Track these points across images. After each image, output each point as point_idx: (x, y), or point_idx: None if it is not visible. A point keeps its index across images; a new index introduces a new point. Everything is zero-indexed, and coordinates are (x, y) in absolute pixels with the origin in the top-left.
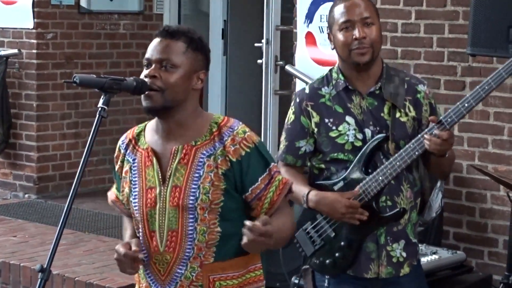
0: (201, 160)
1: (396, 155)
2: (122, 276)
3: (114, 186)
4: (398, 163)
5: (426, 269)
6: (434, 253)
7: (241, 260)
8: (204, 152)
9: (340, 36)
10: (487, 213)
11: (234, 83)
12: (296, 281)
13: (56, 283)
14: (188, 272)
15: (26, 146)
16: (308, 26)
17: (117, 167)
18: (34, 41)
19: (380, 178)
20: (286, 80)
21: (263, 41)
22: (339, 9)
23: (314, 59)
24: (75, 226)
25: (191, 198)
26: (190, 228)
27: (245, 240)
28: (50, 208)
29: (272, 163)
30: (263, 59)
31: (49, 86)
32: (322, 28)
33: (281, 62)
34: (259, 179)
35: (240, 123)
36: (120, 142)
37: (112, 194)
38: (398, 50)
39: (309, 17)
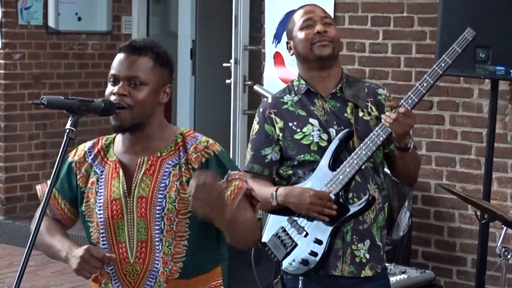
0: (167, 170)
1: (361, 144)
2: None
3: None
4: (363, 152)
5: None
6: (403, 272)
7: (203, 277)
8: (170, 162)
9: (301, 34)
10: (455, 232)
11: (202, 102)
12: None
13: None
14: (157, 285)
15: None
16: (276, 46)
17: (79, 175)
18: (2, 61)
19: (348, 169)
20: (255, 100)
21: (232, 61)
22: (299, 13)
23: (283, 79)
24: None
25: (158, 208)
26: (157, 239)
27: (192, 184)
28: (18, 229)
29: (233, 171)
30: (232, 79)
31: (17, 106)
32: None
33: (249, 82)
34: None
35: (207, 138)
36: (85, 149)
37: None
38: (366, 70)
39: (278, 37)
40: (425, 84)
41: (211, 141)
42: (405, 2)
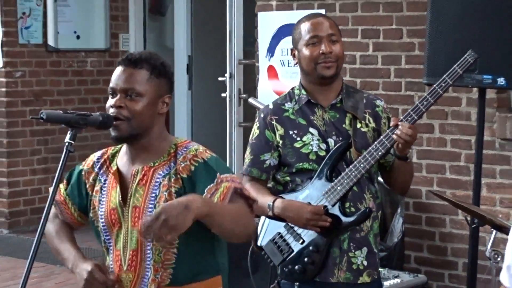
0: (158, 180)
1: (359, 158)
2: None
3: (63, 188)
4: (362, 165)
5: None
6: (396, 277)
7: (196, 285)
8: (161, 172)
9: (306, 51)
10: (446, 237)
11: (199, 116)
12: None
13: None
14: None
15: None
16: (269, 59)
17: (88, 184)
18: (3, 79)
19: (346, 181)
20: (250, 113)
21: (227, 75)
22: (306, 25)
23: (276, 92)
24: (46, 259)
25: None
26: (148, 248)
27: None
28: (21, 242)
29: (223, 174)
30: (227, 92)
31: (19, 123)
32: (283, 62)
33: (244, 95)
34: (206, 190)
35: (199, 146)
36: (94, 158)
37: (58, 194)
38: (357, 81)
39: (271, 51)
40: (425, 103)
41: (200, 149)
42: (394, 14)
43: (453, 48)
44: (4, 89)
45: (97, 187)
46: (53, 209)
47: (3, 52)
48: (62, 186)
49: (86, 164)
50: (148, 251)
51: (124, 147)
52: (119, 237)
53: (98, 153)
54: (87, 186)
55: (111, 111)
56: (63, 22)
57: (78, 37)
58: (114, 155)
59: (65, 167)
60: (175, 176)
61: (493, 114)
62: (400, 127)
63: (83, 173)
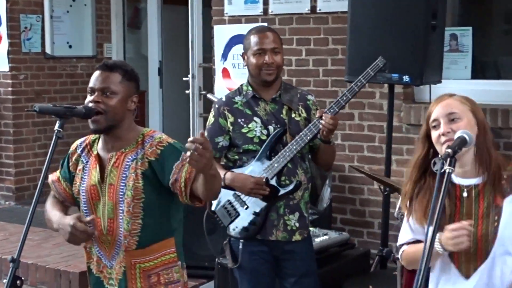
0: (127, 163)
1: (292, 141)
2: (84, 263)
3: (58, 171)
4: (294, 146)
5: (319, 247)
6: (325, 234)
7: (156, 246)
8: (130, 157)
9: (253, 59)
10: (365, 202)
11: (168, 109)
12: (219, 261)
13: (31, 270)
14: (121, 253)
15: (6, 163)
16: (223, 63)
17: (71, 163)
18: (10, 81)
19: (281, 159)
20: (208, 106)
21: (190, 76)
22: (254, 38)
23: (229, 89)
24: (45, 225)
25: (120, 193)
26: (120, 217)
27: (188, 154)
28: (26, 212)
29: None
30: (190, 89)
31: (23, 116)
32: (234, 65)
33: (204, 92)
34: (174, 166)
35: (162, 134)
36: (78, 143)
37: (54, 175)
38: (293, 79)
39: (224, 56)
40: (344, 98)
41: (164, 136)
42: (321, 26)
43: (368, 53)
44: (10, 89)
45: (79, 167)
46: (52, 192)
47: (9, 59)
48: (58, 171)
49: (71, 148)
50: (120, 221)
51: (101, 136)
52: (98, 207)
53: (82, 139)
54: (70, 164)
55: (90, 105)
56: (58, 35)
57: (70, 46)
58: (94, 141)
59: (55, 150)
60: (142, 160)
61: (400, 105)
62: (324, 118)
63: (69, 154)
